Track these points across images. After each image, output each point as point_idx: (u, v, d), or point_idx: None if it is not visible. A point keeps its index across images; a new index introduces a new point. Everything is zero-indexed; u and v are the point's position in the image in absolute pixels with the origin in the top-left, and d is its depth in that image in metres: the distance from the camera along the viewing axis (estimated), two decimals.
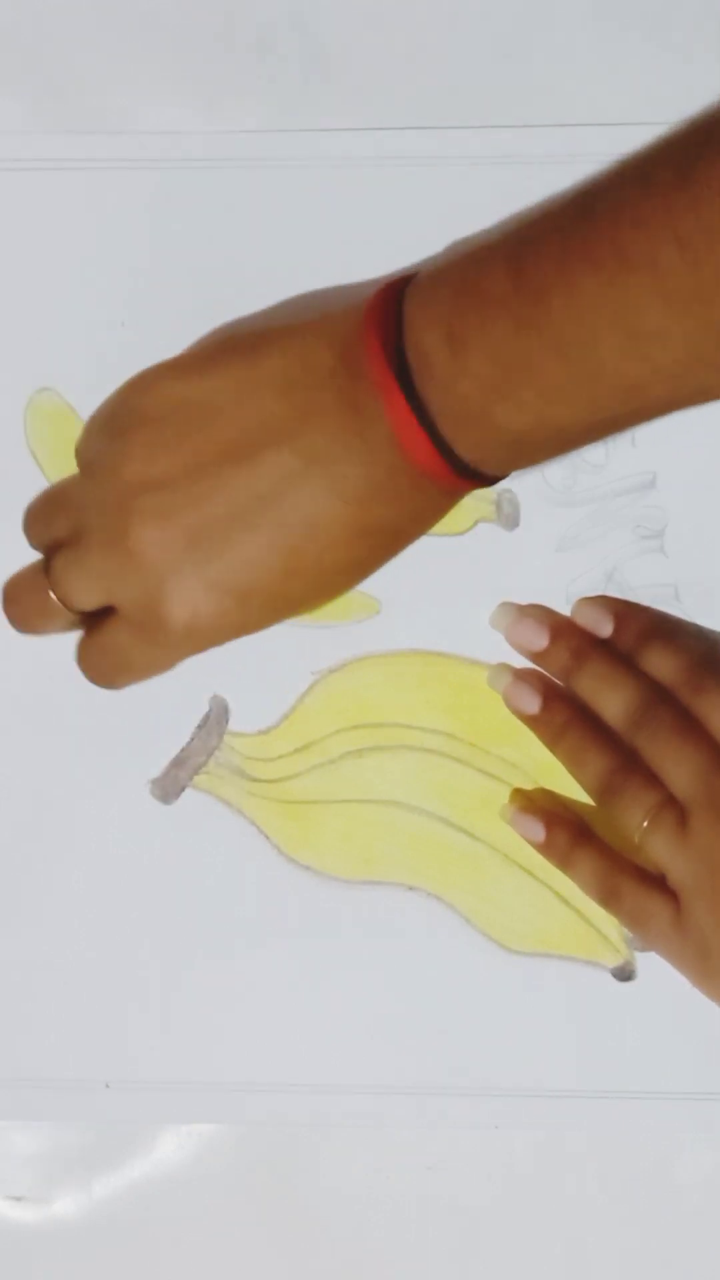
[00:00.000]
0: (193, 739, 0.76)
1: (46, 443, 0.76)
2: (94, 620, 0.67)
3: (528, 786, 0.75)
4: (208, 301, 0.76)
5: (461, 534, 0.76)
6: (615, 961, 0.75)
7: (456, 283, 0.61)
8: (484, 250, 0.61)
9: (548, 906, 0.75)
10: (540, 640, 0.73)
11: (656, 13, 0.76)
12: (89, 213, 0.77)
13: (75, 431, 0.75)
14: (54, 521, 0.68)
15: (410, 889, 0.75)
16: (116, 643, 0.67)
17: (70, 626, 0.69)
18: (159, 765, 0.76)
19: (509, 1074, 0.75)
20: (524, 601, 0.74)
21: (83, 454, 0.68)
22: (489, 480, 0.64)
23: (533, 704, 0.73)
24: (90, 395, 0.76)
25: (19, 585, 0.69)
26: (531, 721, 0.73)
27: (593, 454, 0.76)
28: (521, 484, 0.76)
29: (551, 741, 0.72)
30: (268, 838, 0.76)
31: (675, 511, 0.76)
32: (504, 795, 0.75)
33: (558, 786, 0.75)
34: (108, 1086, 0.76)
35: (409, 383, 0.61)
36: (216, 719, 0.76)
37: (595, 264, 0.58)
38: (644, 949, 0.75)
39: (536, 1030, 0.75)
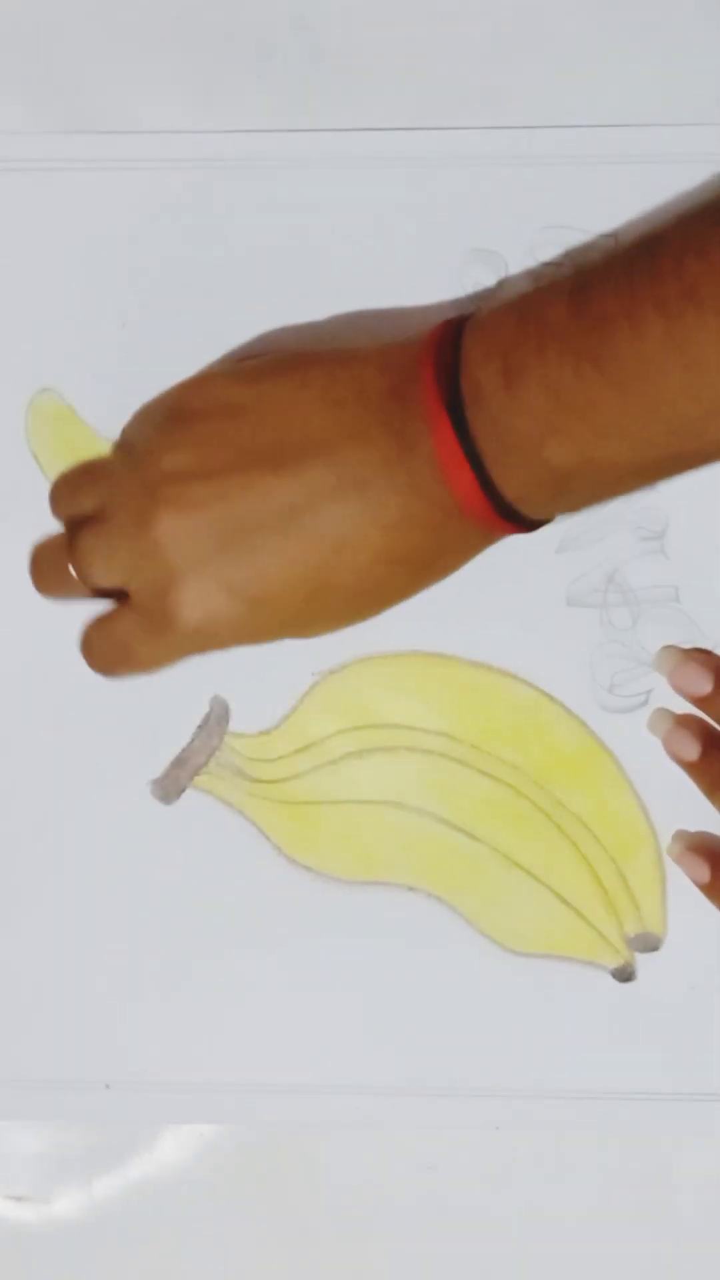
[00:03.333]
0: (193, 739, 0.76)
1: (47, 443, 0.76)
2: (109, 602, 0.68)
3: (529, 788, 0.75)
4: (208, 301, 0.76)
5: None
6: (615, 962, 0.75)
7: (516, 316, 0.61)
8: (546, 288, 0.62)
9: (548, 907, 0.75)
10: (704, 685, 0.73)
11: (656, 13, 0.76)
12: (89, 213, 0.77)
13: (76, 432, 0.76)
14: (82, 495, 0.69)
15: (411, 890, 0.75)
16: (123, 631, 0.67)
17: (91, 597, 0.69)
18: (159, 765, 0.76)
19: (509, 1074, 0.75)
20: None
21: (126, 438, 0.68)
22: (526, 526, 0.64)
23: (692, 751, 0.72)
24: (91, 396, 0.76)
25: (43, 552, 0.70)
26: (690, 768, 0.73)
27: None
28: None
29: (709, 789, 0.72)
30: (268, 838, 0.76)
31: (676, 513, 0.75)
32: (505, 796, 0.75)
33: (559, 789, 0.75)
34: (108, 1087, 0.76)
35: (460, 416, 0.61)
36: (217, 719, 0.76)
37: (659, 296, 0.58)
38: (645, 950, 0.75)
39: (536, 1030, 0.75)
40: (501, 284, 0.70)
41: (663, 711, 0.74)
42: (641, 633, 0.76)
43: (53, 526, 0.74)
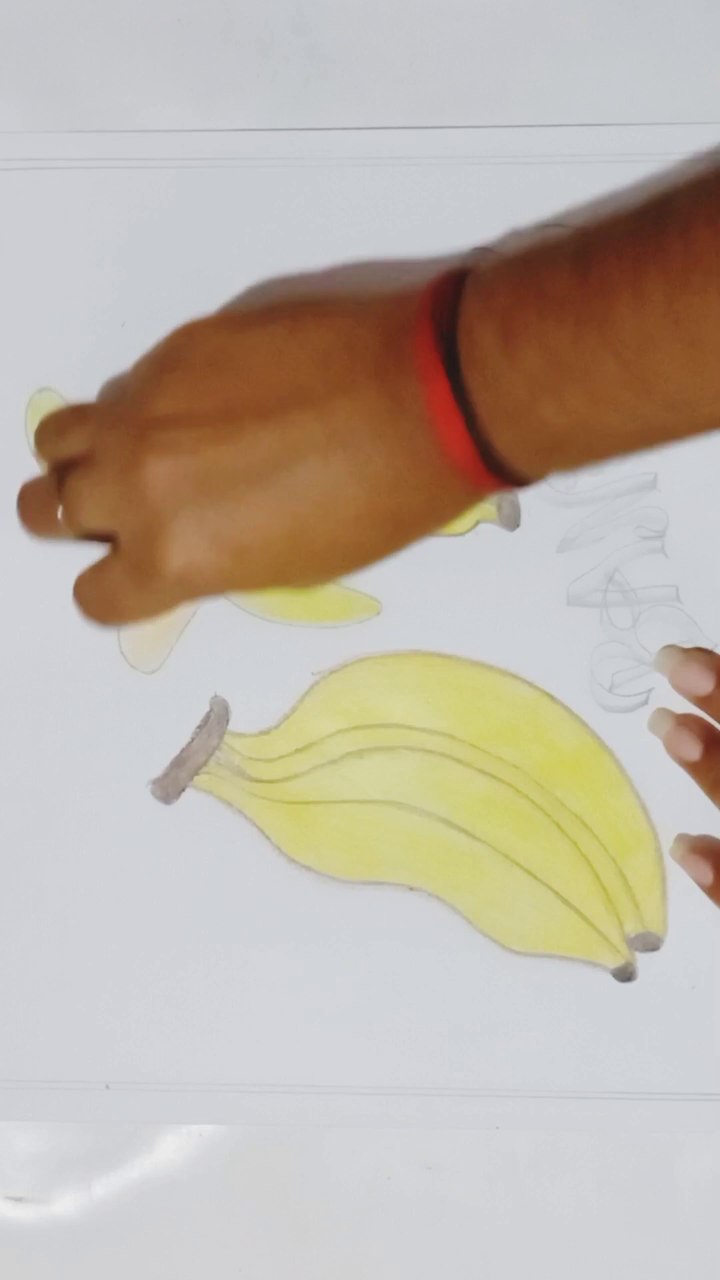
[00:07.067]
0: (193, 739, 0.76)
1: None
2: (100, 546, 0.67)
3: (529, 787, 0.75)
4: (207, 302, 0.76)
5: (462, 534, 0.76)
6: (616, 962, 0.75)
7: (518, 277, 0.61)
8: (549, 248, 0.61)
9: (548, 907, 0.75)
10: (705, 685, 0.72)
11: (656, 13, 0.76)
12: (89, 213, 0.77)
13: None
14: (70, 436, 0.68)
15: (411, 889, 0.75)
16: (111, 579, 0.67)
17: (79, 540, 0.68)
18: (159, 765, 0.76)
19: (509, 1074, 0.75)
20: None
21: (118, 385, 0.68)
22: (515, 483, 0.63)
23: (694, 751, 0.72)
24: (91, 395, 0.76)
25: (31, 493, 0.69)
26: (691, 768, 0.73)
27: None
28: None
29: (711, 789, 0.72)
30: (268, 838, 0.76)
31: (676, 512, 0.76)
32: (505, 796, 0.75)
33: (559, 788, 0.75)
34: (108, 1087, 0.76)
35: (455, 373, 0.61)
36: (217, 719, 0.76)
37: (664, 265, 0.57)
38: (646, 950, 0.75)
39: (536, 1030, 0.75)
40: (503, 240, 0.69)
41: (664, 712, 0.74)
42: (641, 632, 0.76)
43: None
